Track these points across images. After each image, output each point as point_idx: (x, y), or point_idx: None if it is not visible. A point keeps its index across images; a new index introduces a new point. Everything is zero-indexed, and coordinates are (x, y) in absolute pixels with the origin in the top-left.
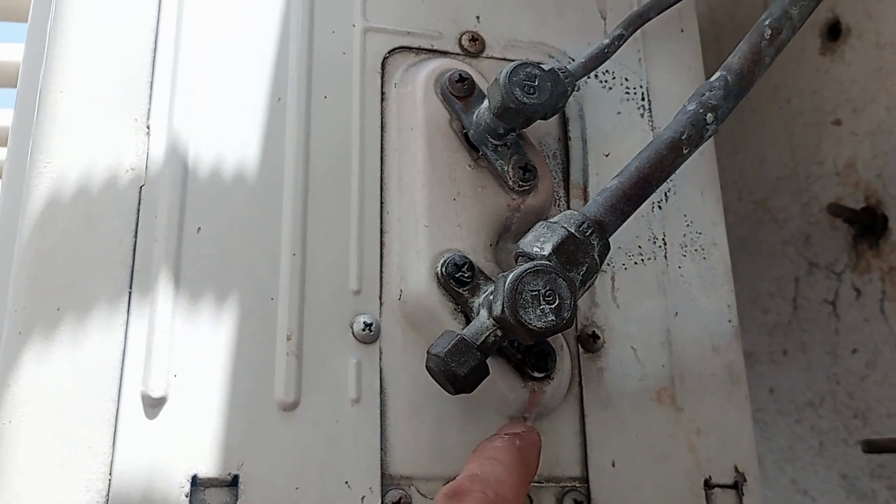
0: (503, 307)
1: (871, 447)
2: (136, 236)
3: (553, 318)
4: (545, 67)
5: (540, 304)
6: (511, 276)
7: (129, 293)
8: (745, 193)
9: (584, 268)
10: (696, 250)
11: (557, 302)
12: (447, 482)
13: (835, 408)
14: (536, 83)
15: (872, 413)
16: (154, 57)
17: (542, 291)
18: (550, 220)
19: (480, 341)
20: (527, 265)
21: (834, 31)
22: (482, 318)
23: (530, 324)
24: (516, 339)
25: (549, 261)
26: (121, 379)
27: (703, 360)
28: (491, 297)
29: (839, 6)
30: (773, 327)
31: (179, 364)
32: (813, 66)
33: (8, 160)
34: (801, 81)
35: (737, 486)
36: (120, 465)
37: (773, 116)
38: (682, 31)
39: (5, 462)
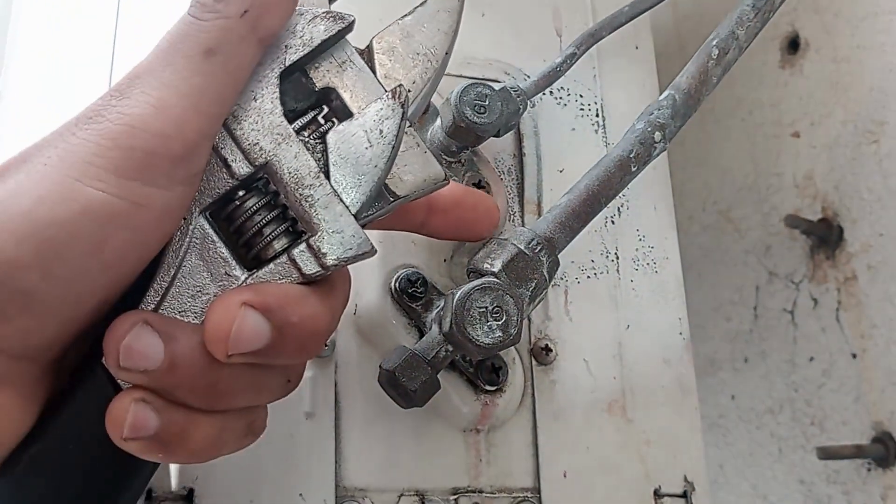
0: (452, 323)
1: (826, 454)
2: None
3: (500, 334)
4: (496, 87)
5: (487, 321)
6: (459, 293)
7: None
8: (710, 203)
9: (534, 284)
10: (647, 264)
11: (504, 318)
12: (402, 494)
13: (793, 415)
14: (487, 103)
15: (828, 420)
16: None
17: (490, 308)
18: (501, 237)
19: (431, 356)
20: (475, 283)
21: (793, 45)
22: (433, 334)
23: (478, 340)
24: (466, 354)
25: (499, 277)
26: None
27: (653, 373)
28: (441, 313)
29: (798, 21)
30: (734, 335)
31: None
32: (773, 79)
33: None
34: (761, 94)
35: (685, 496)
36: None
37: (735, 128)
38: (636, 47)
39: None
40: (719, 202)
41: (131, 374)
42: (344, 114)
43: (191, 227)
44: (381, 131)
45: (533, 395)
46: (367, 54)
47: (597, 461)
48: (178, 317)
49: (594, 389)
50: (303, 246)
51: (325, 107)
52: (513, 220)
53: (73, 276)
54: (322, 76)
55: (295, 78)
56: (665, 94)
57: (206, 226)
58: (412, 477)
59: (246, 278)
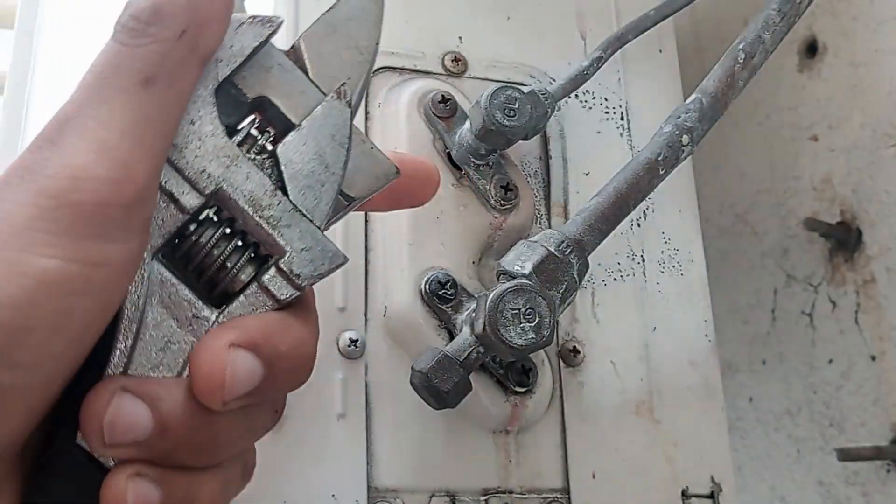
0: (485, 325)
1: (846, 455)
2: None
3: (533, 335)
4: (525, 90)
5: (520, 323)
6: (492, 294)
7: None
8: (727, 207)
9: (564, 286)
10: (673, 267)
11: (537, 320)
12: (433, 495)
13: (811, 417)
14: (517, 106)
15: (847, 422)
16: None
17: (523, 310)
18: (531, 239)
19: (463, 357)
20: (508, 284)
21: (811, 49)
22: (465, 335)
23: (511, 342)
24: (498, 356)
25: (530, 279)
26: None
27: (680, 375)
28: (473, 315)
29: (816, 24)
30: (752, 338)
31: None
32: (791, 82)
33: None
34: (779, 98)
35: (713, 496)
36: None
37: (752, 132)
38: (660, 51)
39: None
40: (736, 205)
41: (120, 449)
42: (281, 121)
43: (145, 275)
44: (332, 136)
45: (561, 396)
46: (295, 55)
47: (625, 462)
48: (151, 374)
49: (622, 391)
50: (272, 271)
51: (257, 116)
52: (539, 223)
53: (37, 360)
54: (252, 85)
55: (224, 91)
56: (692, 97)
57: (162, 269)
58: (443, 478)
59: (217, 317)
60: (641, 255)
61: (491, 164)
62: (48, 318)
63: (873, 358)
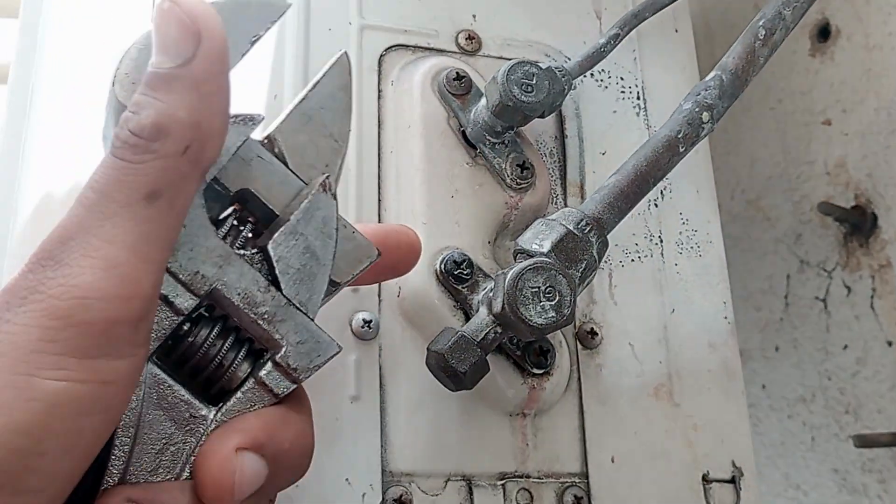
0: (504, 304)
1: (863, 442)
2: None
3: (553, 314)
4: (542, 66)
5: (540, 301)
6: (511, 272)
7: None
8: (738, 192)
9: (583, 265)
10: (691, 248)
11: (557, 299)
12: (448, 479)
13: (826, 403)
14: (534, 82)
15: (863, 408)
16: None
17: (543, 288)
18: (549, 217)
19: (480, 338)
20: (527, 262)
21: (824, 33)
22: (482, 315)
23: (531, 320)
24: (516, 336)
25: (549, 258)
26: None
27: (699, 357)
28: (490, 294)
29: (829, 8)
30: (765, 324)
31: None
32: (803, 66)
33: None
34: (791, 82)
35: (734, 481)
36: None
37: (764, 116)
38: (676, 30)
39: None
40: (748, 191)
41: None
42: (263, 212)
43: (141, 378)
44: (321, 229)
45: (579, 379)
46: (271, 145)
47: (644, 446)
48: (150, 479)
49: (640, 374)
50: (269, 366)
51: (238, 209)
52: (555, 203)
53: (46, 483)
54: (234, 179)
55: (209, 188)
56: (712, 74)
57: (158, 371)
58: (459, 461)
59: (215, 415)
60: (659, 236)
61: (507, 142)
62: (59, 441)
63: (889, 343)
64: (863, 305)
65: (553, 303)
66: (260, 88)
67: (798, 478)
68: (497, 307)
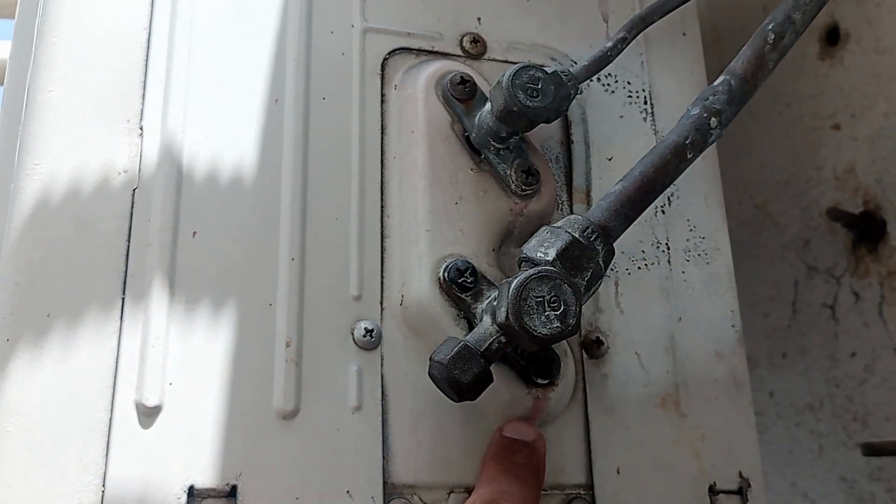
0: (507, 314)
1: (870, 450)
2: (128, 241)
3: (558, 324)
4: (548, 70)
5: (545, 311)
6: (515, 282)
7: (122, 299)
8: (746, 198)
9: (589, 273)
10: (699, 255)
11: (562, 308)
12: (451, 491)
13: (834, 411)
14: (540, 86)
15: (871, 416)
16: (147, 55)
17: (548, 298)
18: (554, 224)
19: (484, 348)
20: (531, 271)
21: (833, 37)
22: (486, 325)
23: (535, 331)
24: (520, 346)
25: (554, 266)
26: (114, 387)
27: (706, 366)
28: (494, 303)
29: (838, 11)
30: (772, 331)
31: (175, 371)
32: (812, 71)
33: None
34: (800, 86)
35: (741, 492)
36: (113, 477)
37: (773, 121)
38: (684, 34)
39: None
40: (756, 196)
41: None
42: None
43: None
44: None
45: (584, 389)
46: None
47: (651, 457)
48: None
49: (647, 383)
50: None
51: None
52: (561, 210)
53: None
54: None
55: None
56: (720, 79)
57: None
58: (462, 473)
59: None
60: (666, 243)
61: (511, 147)
62: None
63: None
64: (871, 312)
65: (558, 313)
66: (259, 91)
67: (805, 486)
68: (501, 317)
